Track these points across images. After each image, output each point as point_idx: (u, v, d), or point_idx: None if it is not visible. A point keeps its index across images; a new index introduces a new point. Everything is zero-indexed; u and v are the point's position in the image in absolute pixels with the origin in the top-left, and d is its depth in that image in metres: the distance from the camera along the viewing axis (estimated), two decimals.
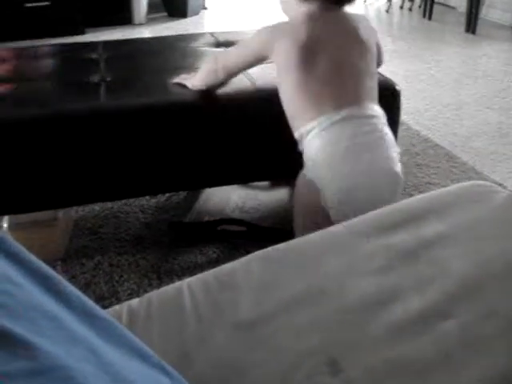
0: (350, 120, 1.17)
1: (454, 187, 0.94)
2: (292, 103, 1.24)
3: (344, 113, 1.17)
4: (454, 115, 2.73)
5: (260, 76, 1.52)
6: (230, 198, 1.79)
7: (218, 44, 1.85)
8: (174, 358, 0.65)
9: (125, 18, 4.64)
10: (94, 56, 1.81)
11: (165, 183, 1.49)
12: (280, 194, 1.85)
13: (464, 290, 0.74)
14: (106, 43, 1.98)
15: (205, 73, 1.41)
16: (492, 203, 0.87)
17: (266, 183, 1.89)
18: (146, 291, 1.52)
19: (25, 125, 1.35)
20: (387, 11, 5.07)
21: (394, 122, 1.52)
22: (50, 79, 1.65)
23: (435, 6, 4.72)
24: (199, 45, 1.87)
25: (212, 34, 1.99)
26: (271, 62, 1.29)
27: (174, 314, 0.75)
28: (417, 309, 0.72)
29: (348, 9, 1.32)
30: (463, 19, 4.31)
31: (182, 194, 1.91)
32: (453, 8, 5.03)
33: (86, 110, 1.39)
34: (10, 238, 0.66)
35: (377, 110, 1.23)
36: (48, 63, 1.83)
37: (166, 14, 4.89)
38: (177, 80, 1.47)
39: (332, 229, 0.87)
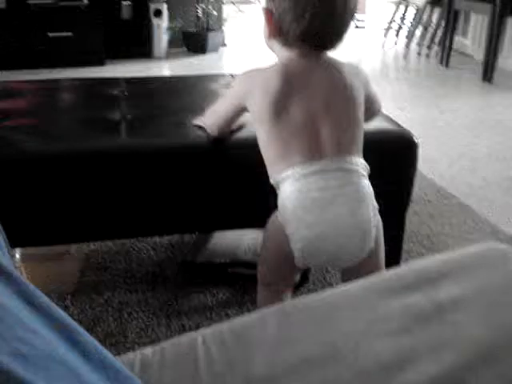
0: (322, 172, 1.17)
1: (469, 249, 0.94)
2: (266, 152, 1.24)
3: (317, 165, 1.17)
4: (468, 165, 2.73)
5: None
6: (242, 240, 1.79)
7: None
8: None
9: (145, 51, 4.71)
10: (115, 92, 1.84)
11: (179, 224, 1.50)
12: None
13: (480, 357, 0.74)
14: (128, 80, 2.01)
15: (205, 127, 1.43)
16: (508, 268, 0.87)
17: None
18: (153, 330, 1.52)
19: (44, 160, 1.37)
20: (405, 57, 5.12)
21: (409, 175, 1.52)
22: (71, 114, 1.67)
23: (452, 54, 4.77)
24: (219, 86, 1.89)
25: (232, 75, 2.02)
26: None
27: (187, 367, 0.75)
28: (432, 374, 0.71)
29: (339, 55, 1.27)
30: (480, 68, 4.35)
31: (195, 234, 1.91)
32: (470, 56, 5.08)
33: (106, 149, 1.40)
34: (25, 279, 0.66)
35: (355, 163, 1.21)
36: (70, 97, 1.86)
37: (185, 49, 4.96)
38: (197, 122, 1.49)
39: (348, 286, 0.87)
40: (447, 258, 0.91)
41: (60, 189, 1.37)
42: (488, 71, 4.25)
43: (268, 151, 1.24)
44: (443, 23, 4.90)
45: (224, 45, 5.07)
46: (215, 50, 4.92)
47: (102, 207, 1.41)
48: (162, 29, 4.70)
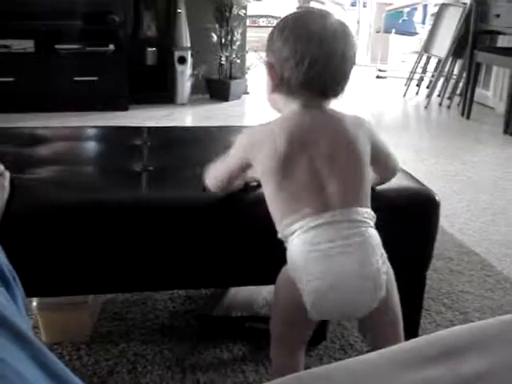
0: (330, 224, 1.19)
1: (494, 321, 0.92)
2: (273, 207, 1.26)
3: (325, 217, 1.19)
4: (489, 220, 2.70)
5: None
6: (260, 294, 1.77)
7: None
8: None
9: (168, 97, 4.78)
10: (138, 142, 1.86)
11: (196, 279, 1.49)
12: None
13: None
14: (151, 129, 2.03)
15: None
16: None
17: None
18: None
19: (63, 211, 1.38)
20: (426, 107, 5.13)
21: (431, 234, 1.51)
22: (93, 164, 1.69)
23: (474, 106, 4.77)
24: None
25: None
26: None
27: None
28: None
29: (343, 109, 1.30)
30: (501, 120, 4.34)
31: None
32: (491, 108, 5.08)
33: (126, 201, 1.41)
34: (42, 342, 0.65)
35: (363, 214, 1.22)
36: (93, 146, 1.88)
37: (208, 96, 5.02)
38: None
39: (370, 355, 0.85)
40: (471, 330, 0.89)
41: (79, 240, 1.38)
42: (510, 124, 4.24)
43: (275, 206, 1.25)
44: (465, 75, 4.93)
45: (247, 93, 5.12)
46: (238, 97, 4.98)
47: (120, 259, 1.41)
48: (185, 75, 4.77)
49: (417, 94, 5.62)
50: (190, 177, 1.56)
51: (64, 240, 1.37)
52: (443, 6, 5.44)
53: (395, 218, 1.45)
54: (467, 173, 3.41)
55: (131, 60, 4.56)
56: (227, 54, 4.91)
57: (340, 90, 1.28)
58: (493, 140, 4.20)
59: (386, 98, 5.63)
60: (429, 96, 5.24)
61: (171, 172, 1.60)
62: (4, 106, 4.18)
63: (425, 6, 7.77)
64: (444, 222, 2.56)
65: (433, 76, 5.41)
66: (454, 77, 5.30)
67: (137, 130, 2.01)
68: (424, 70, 5.69)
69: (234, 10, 4.83)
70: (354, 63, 1.27)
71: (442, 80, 5.28)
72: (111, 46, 4.45)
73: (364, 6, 8.10)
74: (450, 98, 5.19)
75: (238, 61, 5.02)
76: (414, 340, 0.88)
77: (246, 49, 5.19)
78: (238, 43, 4.95)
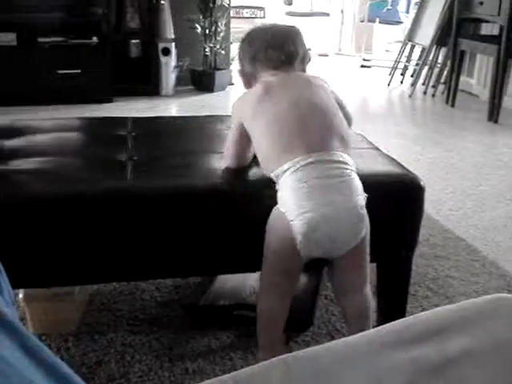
0: (318, 163, 1.31)
1: (478, 300, 0.92)
2: (264, 150, 1.40)
3: (314, 156, 1.31)
4: (475, 206, 2.72)
5: None
6: (247, 282, 1.77)
7: None
8: None
9: (152, 89, 4.76)
10: (122, 132, 1.85)
11: (182, 268, 1.49)
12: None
13: None
14: (135, 120, 2.02)
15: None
16: None
17: None
18: (156, 374, 1.50)
19: (48, 202, 1.37)
20: (410, 96, 5.15)
21: (416, 219, 1.52)
22: (78, 154, 1.68)
23: (458, 93, 4.79)
24: (227, 127, 1.89)
25: None
26: None
27: None
28: None
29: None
30: (486, 107, 4.36)
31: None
32: (476, 96, 5.11)
33: (111, 191, 1.40)
34: (28, 329, 0.65)
35: (346, 158, 1.35)
36: (77, 137, 1.87)
37: (193, 87, 5.00)
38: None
39: (354, 337, 0.86)
40: (456, 310, 0.90)
41: (64, 231, 1.37)
42: (493, 111, 4.26)
43: (266, 149, 1.39)
44: (449, 63, 4.95)
45: (231, 83, 5.11)
46: (222, 88, 4.96)
47: (106, 249, 1.41)
48: (169, 67, 4.75)
49: (401, 82, 5.64)
50: (175, 166, 1.56)
51: (49, 231, 1.37)
52: None
53: (381, 203, 1.46)
54: (452, 160, 3.43)
55: (115, 52, 4.53)
56: (211, 45, 4.89)
57: (295, 57, 1.51)
58: (477, 127, 4.23)
59: (371, 87, 5.64)
60: (413, 84, 5.25)
61: (156, 161, 1.59)
62: None
63: None
64: (429, 208, 2.57)
65: (417, 64, 5.43)
66: (439, 65, 5.32)
67: (121, 121, 2.00)
68: (408, 59, 5.70)
69: (218, 1, 4.81)
70: (296, 40, 1.53)
71: (426, 68, 5.30)
72: (94, 39, 4.42)
73: None
74: (434, 87, 5.21)
75: (223, 52, 5.01)
76: (399, 321, 0.88)
77: (231, 40, 5.17)
78: (222, 34, 4.94)
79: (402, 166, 1.58)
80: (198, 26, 4.82)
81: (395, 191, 1.50)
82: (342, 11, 8.00)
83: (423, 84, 5.33)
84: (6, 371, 0.59)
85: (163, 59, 4.73)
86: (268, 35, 1.54)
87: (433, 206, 2.64)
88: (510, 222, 2.55)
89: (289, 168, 1.31)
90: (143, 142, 1.77)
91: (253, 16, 7.58)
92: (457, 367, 0.78)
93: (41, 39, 4.33)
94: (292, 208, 1.29)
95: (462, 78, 4.95)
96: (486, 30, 4.98)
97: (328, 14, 8.01)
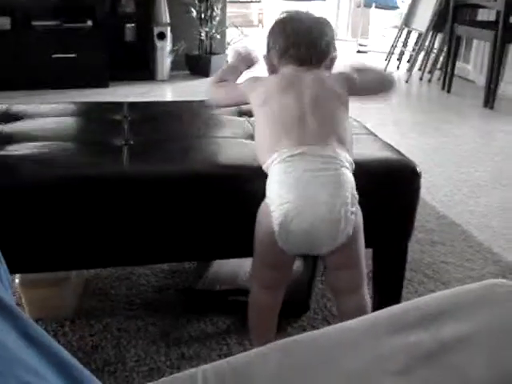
0: (306, 155, 1.29)
1: (473, 286, 0.93)
2: (261, 139, 1.42)
3: (302, 148, 1.29)
4: (470, 192, 2.73)
5: None
6: (243, 267, 1.78)
7: (241, 113, 1.88)
8: None
9: (148, 73, 4.73)
10: (118, 117, 1.84)
11: (179, 252, 1.49)
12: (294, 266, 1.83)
13: None
14: (131, 104, 2.01)
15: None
16: None
17: None
18: (152, 359, 1.51)
19: (43, 186, 1.36)
20: (407, 82, 5.14)
21: (412, 205, 1.52)
22: (74, 139, 1.67)
23: (454, 79, 4.78)
24: (223, 112, 1.89)
25: None
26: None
27: None
28: None
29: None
30: (482, 93, 4.36)
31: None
32: (472, 82, 5.10)
33: (109, 175, 1.40)
34: (25, 313, 0.65)
35: (339, 154, 1.31)
36: (73, 122, 1.86)
37: (188, 72, 4.98)
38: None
39: (353, 322, 0.86)
40: (451, 295, 0.91)
41: (60, 215, 1.37)
42: (489, 97, 4.26)
43: (261, 139, 1.41)
44: (445, 49, 4.93)
45: None
46: None
47: (103, 234, 1.41)
48: (165, 51, 4.73)
49: (398, 68, 5.62)
50: (171, 150, 1.56)
51: (46, 216, 1.36)
52: None
53: (377, 188, 1.46)
54: (448, 145, 3.43)
55: (110, 36, 4.50)
56: (207, 29, 4.87)
57: (318, 56, 1.48)
58: (473, 113, 4.23)
59: None
60: (409, 70, 5.25)
61: (152, 146, 1.58)
62: None
63: None
64: (425, 194, 2.58)
65: (413, 50, 5.41)
66: (435, 51, 5.31)
67: (117, 105, 1.99)
68: (405, 45, 5.69)
69: None
70: (325, 35, 1.50)
71: (422, 54, 5.29)
72: (89, 23, 4.39)
73: None
74: (430, 72, 5.20)
75: (218, 36, 4.98)
76: (394, 307, 0.89)
77: (226, 24, 5.14)
78: (217, 18, 4.91)
79: (398, 151, 1.58)
80: (193, 10, 4.79)
81: (391, 177, 1.50)
82: None
83: (419, 70, 5.32)
84: (3, 355, 0.59)
85: (159, 44, 4.70)
86: (303, 30, 1.48)
87: (429, 192, 2.64)
88: (505, 208, 2.55)
89: (276, 158, 1.30)
90: (139, 127, 1.77)
91: (248, 0, 7.54)
92: (451, 353, 0.78)
93: (35, 23, 4.30)
94: (274, 198, 1.27)
95: (459, 64, 4.94)
96: (482, 15, 4.96)
97: None
